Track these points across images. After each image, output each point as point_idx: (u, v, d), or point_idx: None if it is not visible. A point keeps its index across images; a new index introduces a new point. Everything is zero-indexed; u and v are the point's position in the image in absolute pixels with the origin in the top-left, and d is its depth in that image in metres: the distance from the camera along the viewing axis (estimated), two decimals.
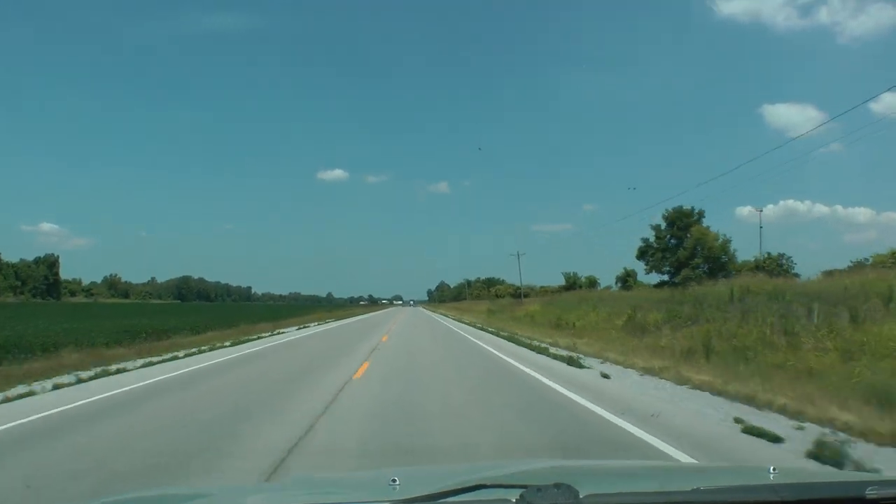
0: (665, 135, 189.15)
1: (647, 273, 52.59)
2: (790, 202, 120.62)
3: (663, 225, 49.84)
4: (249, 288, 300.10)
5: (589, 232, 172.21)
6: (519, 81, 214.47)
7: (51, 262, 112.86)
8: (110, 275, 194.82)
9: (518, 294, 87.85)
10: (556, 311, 36.46)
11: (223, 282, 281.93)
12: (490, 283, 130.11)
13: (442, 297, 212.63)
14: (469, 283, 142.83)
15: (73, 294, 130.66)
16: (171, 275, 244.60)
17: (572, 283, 65.40)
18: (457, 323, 44.10)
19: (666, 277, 49.38)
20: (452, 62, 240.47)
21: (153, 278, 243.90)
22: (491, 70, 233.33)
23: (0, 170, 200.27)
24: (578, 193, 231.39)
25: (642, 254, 52.11)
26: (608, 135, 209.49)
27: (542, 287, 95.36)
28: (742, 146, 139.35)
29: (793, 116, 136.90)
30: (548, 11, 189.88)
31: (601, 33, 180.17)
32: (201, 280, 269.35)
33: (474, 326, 36.92)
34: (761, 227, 45.66)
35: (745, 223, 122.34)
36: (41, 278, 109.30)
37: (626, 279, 62.88)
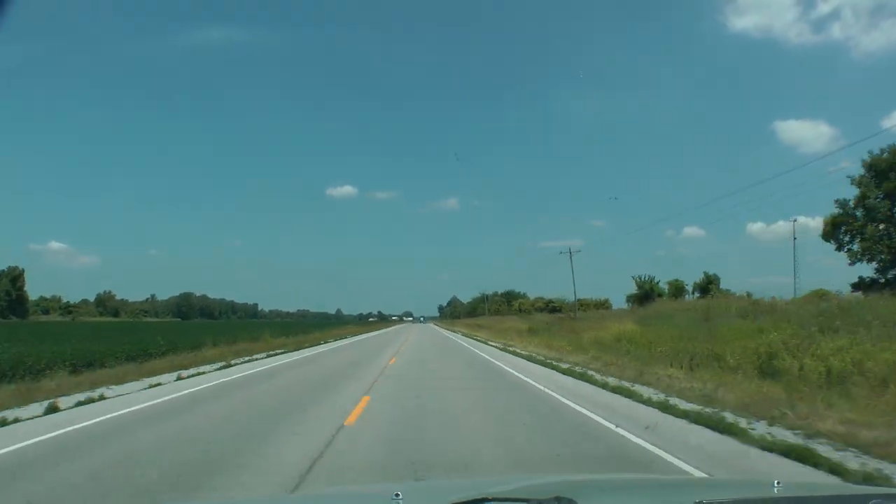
0: (674, 150, 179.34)
1: (852, 263, 31.27)
2: (801, 219, 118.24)
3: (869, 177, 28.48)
4: (256, 305, 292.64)
5: (598, 247, 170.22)
6: (527, 96, 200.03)
7: (14, 276, 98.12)
8: (103, 292, 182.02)
9: (554, 308, 72.17)
10: (676, 332, 20.79)
11: (228, 299, 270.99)
12: (510, 296, 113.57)
13: (454, 312, 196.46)
14: (486, 297, 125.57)
15: (45, 312, 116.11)
16: (178, 293, 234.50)
17: (648, 291, 48.82)
18: (509, 357, 23.77)
19: (868, 270, 30.13)
20: (460, 78, 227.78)
21: (153, 296, 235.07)
22: (499, 85, 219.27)
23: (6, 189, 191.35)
24: (587, 210, 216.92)
25: (834, 228, 30.27)
26: (616, 151, 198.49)
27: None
28: (753, 163, 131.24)
29: (805, 133, 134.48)
30: (555, 28, 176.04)
31: (609, 48, 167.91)
32: (204, 297, 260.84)
33: (566, 373, 16.60)
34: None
35: (754, 239, 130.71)
36: (3, 294, 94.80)
37: (708, 286, 47.23)
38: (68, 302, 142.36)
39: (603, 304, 69.45)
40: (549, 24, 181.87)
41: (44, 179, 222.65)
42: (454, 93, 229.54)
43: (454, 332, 70.89)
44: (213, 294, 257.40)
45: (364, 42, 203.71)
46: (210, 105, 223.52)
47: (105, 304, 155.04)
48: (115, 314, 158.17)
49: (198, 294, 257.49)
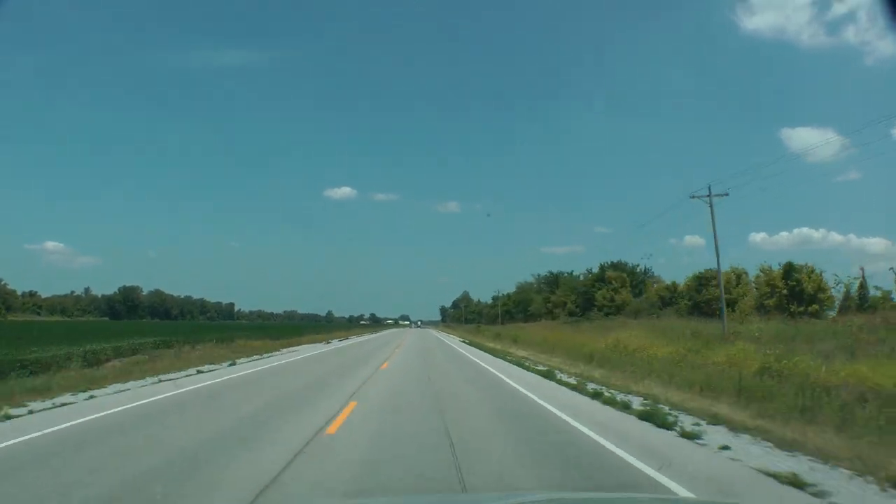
0: (678, 156, 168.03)
1: None
2: (804, 230, 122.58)
3: None
4: (232, 305, 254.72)
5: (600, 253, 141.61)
6: (529, 104, 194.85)
7: None
8: None
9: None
10: None
11: (197, 297, 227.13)
12: (629, 273, 52.35)
13: (470, 315, 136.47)
14: (554, 277, 60.47)
15: None
16: (152, 290, 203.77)
17: None
18: None
19: None
20: (462, 82, 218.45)
21: (87, 289, 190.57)
22: (501, 91, 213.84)
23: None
24: (589, 216, 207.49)
25: None
26: (619, 156, 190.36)
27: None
28: (760, 171, 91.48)
29: (813, 141, 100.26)
30: (562, 28, 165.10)
31: (613, 47, 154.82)
32: (157, 293, 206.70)
33: None
34: None
35: (758, 250, 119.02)
36: None
37: None
38: None
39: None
40: (553, 25, 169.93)
41: (30, 177, 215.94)
42: (457, 98, 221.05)
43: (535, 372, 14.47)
44: (181, 292, 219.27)
45: (368, 45, 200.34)
46: (209, 105, 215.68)
47: None
48: None
49: (148, 290, 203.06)
